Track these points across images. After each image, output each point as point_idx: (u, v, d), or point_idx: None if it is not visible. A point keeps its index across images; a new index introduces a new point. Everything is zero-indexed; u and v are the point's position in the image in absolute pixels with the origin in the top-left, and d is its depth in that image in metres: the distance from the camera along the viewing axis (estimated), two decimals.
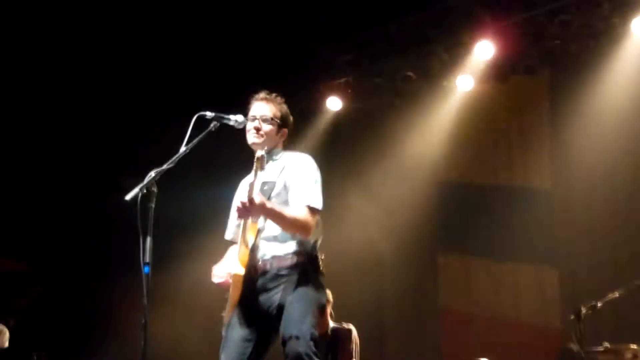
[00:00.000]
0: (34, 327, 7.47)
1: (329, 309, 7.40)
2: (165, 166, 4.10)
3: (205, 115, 4.37)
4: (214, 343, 4.60)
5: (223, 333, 4.46)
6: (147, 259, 3.92)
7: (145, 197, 3.97)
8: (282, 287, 4.41)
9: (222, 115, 4.41)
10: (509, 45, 8.22)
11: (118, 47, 8.07)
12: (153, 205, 3.98)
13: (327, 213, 4.50)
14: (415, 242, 9.69)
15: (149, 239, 3.93)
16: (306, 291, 4.40)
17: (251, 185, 4.20)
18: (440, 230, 9.65)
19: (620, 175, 8.31)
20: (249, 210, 4.19)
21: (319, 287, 4.51)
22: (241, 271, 4.40)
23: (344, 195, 9.42)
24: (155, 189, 3.99)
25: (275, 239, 4.51)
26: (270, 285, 4.44)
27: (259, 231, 4.51)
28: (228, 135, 4.51)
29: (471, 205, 9.42)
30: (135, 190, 3.95)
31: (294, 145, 4.87)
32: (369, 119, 9.84)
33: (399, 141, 9.74)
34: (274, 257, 4.47)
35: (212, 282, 4.63)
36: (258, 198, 4.20)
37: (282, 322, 4.34)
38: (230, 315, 4.48)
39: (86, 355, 7.72)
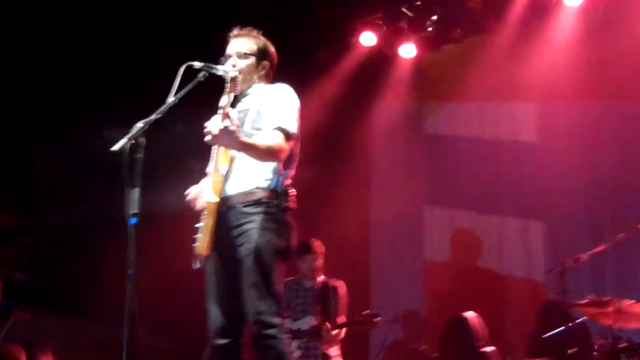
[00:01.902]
0: (21, 280, 7.45)
1: (320, 260, 7.45)
2: (153, 116, 4.06)
3: (193, 65, 4.32)
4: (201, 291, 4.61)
5: (194, 265, 4.42)
6: (134, 210, 3.91)
7: (133, 147, 3.94)
8: (247, 227, 4.36)
9: (210, 65, 4.35)
10: None
11: None
12: (141, 156, 3.95)
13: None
14: (401, 194, 9.73)
15: (136, 190, 3.91)
16: (267, 240, 4.34)
17: (223, 109, 4.12)
18: (426, 182, 9.66)
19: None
20: (218, 137, 4.10)
21: (284, 229, 4.45)
22: (215, 199, 4.36)
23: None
24: (143, 140, 3.96)
25: (244, 169, 4.45)
26: (237, 222, 4.39)
27: (231, 158, 4.46)
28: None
29: (457, 158, 9.42)
30: (123, 140, 3.91)
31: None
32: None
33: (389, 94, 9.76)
34: (240, 191, 4.42)
35: (186, 201, 4.61)
36: (230, 127, 4.07)
37: (243, 286, 4.32)
38: (207, 253, 4.41)
39: (74, 308, 7.74)
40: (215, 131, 4.06)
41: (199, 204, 4.54)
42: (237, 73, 4.33)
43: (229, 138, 4.11)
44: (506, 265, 8.96)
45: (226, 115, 4.09)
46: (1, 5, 7.41)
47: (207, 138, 4.14)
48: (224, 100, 4.19)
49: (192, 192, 4.63)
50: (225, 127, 4.05)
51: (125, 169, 3.87)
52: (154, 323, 4.48)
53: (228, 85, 4.28)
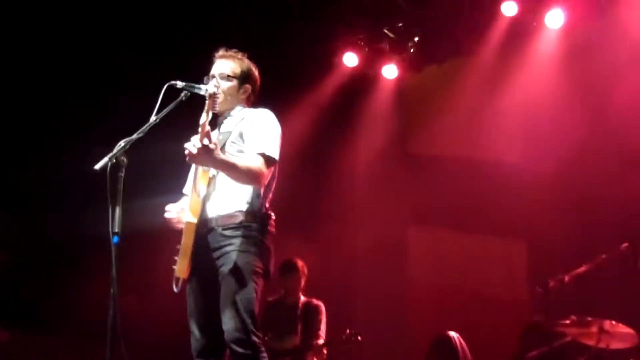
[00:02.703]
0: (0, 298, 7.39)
1: (303, 280, 7.46)
2: (135, 136, 4.07)
3: (175, 84, 4.33)
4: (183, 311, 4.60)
5: (174, 288, 4.41)
6: (116, 229, 3.90)
7: (115, 166, 3.94)
8: (226, 249, 4.36)
9: (192, 84, 4.36)
10: None
11: (88, 9, 7.93)
12: (122, 175, 3.95)
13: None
14: (385, 214, 9.74)
15: (118, 209, 3.91)
16: (246, 262, 4.35)
17: (203, 126, 4.11)
18: (410, 202, 9.67)
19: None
20: (197, 156, 4.10)
21: (264, 252, 4.46)
22: (193, 220, 4.36)
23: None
24: (124, 159, 3.96)
25: (224, 192, 4.45)
26: (216, 244, 4.40)
27: (210, 180, 4.46)
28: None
29: (441, 178, 9.43)
30: (105, 159, 3.93)
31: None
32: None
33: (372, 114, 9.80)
34: (220, 214, 4.42)
35: (164, 219, 4.60)
36: (209, 145, 4.09)
37: (221, 305, 4.33)
38: (185, 277, 4.42)
39: (54, 326, 7.68)
40: (194, 150, 4.06)
41: (178, 223, 4.53)
42: (215, 89, 4.33)
43: (208, 156, 4.12)
44: (489, 286, 8.95)
45: (205, 134, 4.09)
46: None
47: (187, 157, 4.14)
48: (203, 117, 4.19)
49: (171, 210, 4.62)
50: (205, 146, 4.05)
51: (108, 187, 3.87)
52: (136, 342, 4.44)
53: (207, 102, 4.28)
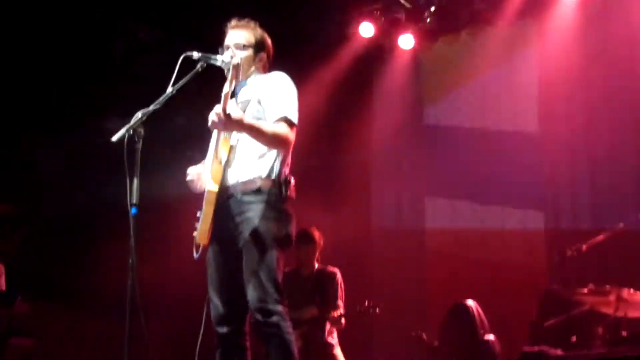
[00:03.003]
0: (21, 270, 7.45)
1: (319, 250, 7.48)
2: (151, 107, 4.08)
3: (191, 55, 4.33)
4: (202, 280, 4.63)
5: (194, 255, 4.43)
6: (134, 200, 3.92)
7: (132, 138, 3.96)
8: (247, 215, 4.38)
9: (208, 55, 4.36)
10: None
11: None
12: (140, 147, 3.97)
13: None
14: (402, 184, 9.75)
15: (135, 180, 3.93)
16: (267, 228, 4.37)
17: (226, 96, 4.13)
18: (427, 172, 9.66)
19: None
20: (223, 122, 4.13)
21: (283, 218, 4.48)
22: (214, 188, 4.38)
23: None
24: (142, 130, 3.98)
25: (245, 159, 4.47)
26: (237, 210, 4.42)
27: (231, 148, 4.48)
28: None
29: (458, 149, 9.42)
30: (122, 131, 3.94)
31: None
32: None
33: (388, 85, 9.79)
34: (240, 180, 4.44)
35: (185, 182, 4.64)
36: (235, 113, 4.15)
37: (244, 275, 4.35)
38: (208, 243, 4.44)
39: (74, 298, 7.74)
40: (220, 117, 4.08)
41: (199, 186, 4.56)
42: (239, 61, 4.36)
43: (235, 123, 4.16)
44: (507, 255, 8.96)
45: (227, 104, 4.12)
46: None
47: (211, 124, 4.17)
48: (227, 87, 4.21)
49: (191, 172, 4.65)
50: (229, 114, 4.09)
51: (125, 159, 3.90)
52: (155, 312, 4.48)
53: (230, 72, 4.30)
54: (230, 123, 4.15)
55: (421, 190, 9.80)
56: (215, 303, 4.54)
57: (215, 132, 4.45)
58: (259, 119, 4.47)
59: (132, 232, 3.92)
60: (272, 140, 4.38)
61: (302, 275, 7.47)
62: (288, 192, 4.52)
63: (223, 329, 4.53)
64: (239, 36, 4.71)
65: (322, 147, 8.94)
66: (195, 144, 4.91)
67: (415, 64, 9.74)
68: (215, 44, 4.68)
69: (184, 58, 4.28)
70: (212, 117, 4.14)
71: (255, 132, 4.32)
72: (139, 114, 4.01)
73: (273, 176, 4.48)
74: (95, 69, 8.07)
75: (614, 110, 8.27)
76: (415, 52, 9.59)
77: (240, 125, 4.24)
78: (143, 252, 4.04)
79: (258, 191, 4.42)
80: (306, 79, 8.13)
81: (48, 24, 7.79)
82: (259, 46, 4.75)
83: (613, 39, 8.15)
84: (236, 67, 4.30)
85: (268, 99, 4.51)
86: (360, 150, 9.81)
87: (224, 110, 4.09)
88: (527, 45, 8.87)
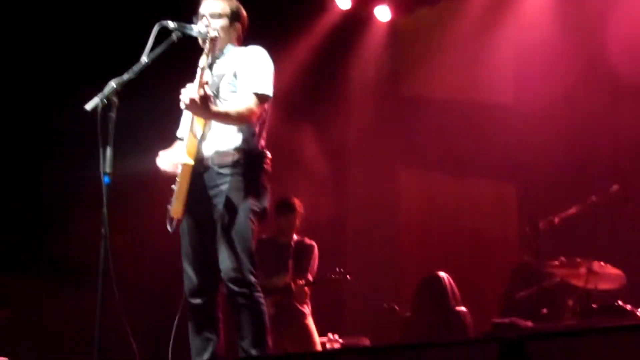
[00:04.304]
0: None
1: (299, 219, 7.48)
2: (125, 76, 4.06)
3: (167, 25, 4.30)
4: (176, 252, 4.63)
5: (168, 228, 4.44)
6: (107, 169, 3.91)
7: (106, 107, 3.94)
8: (222, 188, 4.40)
9: (184, 24, 4.35)
10: None
11: None
12: (113, 115, 3.95)
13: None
14: (377, 156, 9.76)
15: (109, 149, 3.92)
16: (242, 200, 4.39)
17: (202, 70, 4.16)
18: (402, 145, 9.68)
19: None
20: (192, 106, 4.16)
21: (259, 190, 4.51)
22: (190, 161, 4.38)
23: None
24: (115, 99, 3.96)
25: (220, 132, 4.47)
26: (212, 183, 4.43)
27: (206, 121, 4.48)
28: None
29: (433, 121, 9.43)
30: (95, 100, 3.93)
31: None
32: None
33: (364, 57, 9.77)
34: (216, 153, 4.45)
35: (157, 166, 4.64)
36: (205, 95, 4.15)
37: (218, 246, 4.37)
38: (180, 217, 4.46)
39: (48, 268, 7.70)
40: (187, 100, 4.08)
41: (169, 169, 4.56)
42: (216, 33, 4.36)
43: (200, 108, 4.16)
44: (480, 227, 9.02)
45: (203, 83, 4.11)
46: None
47: (182, 105, 4.16)
48: (203, 60, 4.21)
49: (162, 157, 4.64)
50: (201, 97, 4.10)
51: (98, 128, 3.88)
52: (129, 282, 4.48)
53: (207, 45, 4.29)
54: (197, 107, 4.17)
55: (396, 161, 9.82)
56: (189, 274, 4.56)
57: None
58: (233, 92, 4.47)
59: (104, 201, 3.91)
60: (237, 119, 4.40)
61: (278, 242, 7.45)
62: (264, 165, 4.54)
63: (196, 300, 4.55)
64: (215, 5, 4.68)
65: (297, 117, 8.90)
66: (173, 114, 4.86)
67: (391, 35, 9.71)
68: (190, 13, 4.65)
69: (160, 28, 4.25)
70: (184, 98, 4.14)
71: (222, 118, 4.35)
72: (112, 83, 3.99)
73: (249, 148, 4.48)
74: (67, 35, 7.96)
75: (589, 82, 8.29)
76: (392, 24, 9.57)
77: (207, 113, 4.25)
78: (118, 223, 4.03)
79: (234, 164, 4.43)
80: (282, 50, 8.10)
81: None
82: (234, 16, 4.73)
83: (588, 11, 8.16)
84: (213, 40, 4.29)
85: (243, 71, 4.51)
86: (336, 123, 9.79)
87: (197, 92, 4.10)
88: (503, 18, 8.85)
